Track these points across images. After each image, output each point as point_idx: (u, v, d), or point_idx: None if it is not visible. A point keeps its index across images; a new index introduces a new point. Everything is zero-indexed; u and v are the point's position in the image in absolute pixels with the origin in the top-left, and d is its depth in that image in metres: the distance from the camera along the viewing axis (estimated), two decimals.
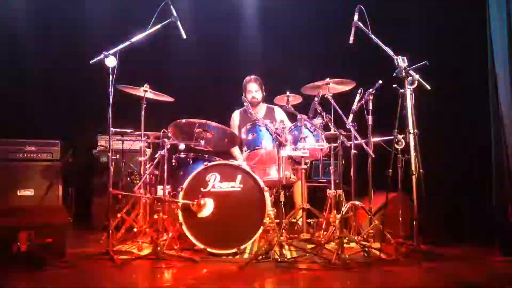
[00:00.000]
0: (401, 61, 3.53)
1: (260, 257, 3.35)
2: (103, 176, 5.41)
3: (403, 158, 3.74)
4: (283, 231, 3.40)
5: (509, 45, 3.61)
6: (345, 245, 3.39)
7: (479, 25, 4.03)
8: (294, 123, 4.23)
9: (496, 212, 3.80)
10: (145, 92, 4.25)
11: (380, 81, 3.86)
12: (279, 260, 3.30)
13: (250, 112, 4.08)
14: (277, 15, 6.49)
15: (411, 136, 3.47)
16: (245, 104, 4.08)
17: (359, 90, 4.03)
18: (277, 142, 3.68)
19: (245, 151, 4.18)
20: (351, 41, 3.86)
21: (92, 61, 3.49)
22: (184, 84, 6.22)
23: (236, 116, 5.07)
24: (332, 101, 4.00)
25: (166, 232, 3.90)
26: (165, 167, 4.02)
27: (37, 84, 5.81)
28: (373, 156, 3.81)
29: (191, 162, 4.20)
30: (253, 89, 4.92)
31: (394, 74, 3.56)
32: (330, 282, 2.86)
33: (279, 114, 4.99)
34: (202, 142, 4.10)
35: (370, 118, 4.00)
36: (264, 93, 4.96)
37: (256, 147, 4.11)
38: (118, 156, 4.91)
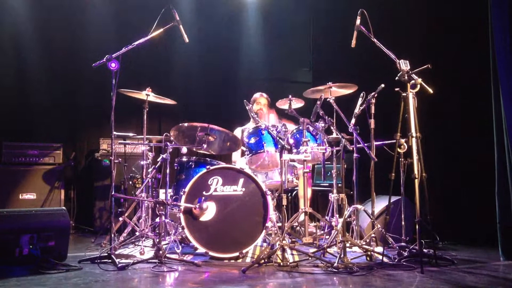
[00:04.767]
0: (404, 65, 3.53)
1: (263, 261, 3.34)
2: (105, 179, 5.43)
3: (406, 161, 3.73)
4: (285, 234, 3.40)
5: (510, 44, 3.58)
6: (347, 249, 3.38)
7: (481, 25, 4.02)
8: (297, 126, 4.23)
9: (499, 215, 3.78)
10: (147, 96, 4.26)
11: (382, 85, 3.86)
12: (281, 264, 3.29)
13: (252, 115, 4.09)
14: (279, 18, 6.51)
15: (414, 140, 3.46)
16: (247, 107, 4.09)
17: (362, 94, 4.02)
18: (279, 146, 3.68)
19: (247, 154, 4.18)
20: (353, 45, 3.86)
21: (95, 64, 3.50)
22: (186, 88, 6.24)
23: (238, 133, 4.87)
24: (334, 105, 4.00)
25: (168, 236, 3.90)
26: (167, 170, 4.02)
27: (39, 88, 5.82)
28: (376, 159, 3.81)
29: (193, 165, 4.20)
30: (262, 102, 5.05)
31: (397, 78, 3.55)
32: (332, 286, 2.85)
33: (272, 119, 4.95)
34: (205, 145, 4.10)
35: (372, 122, 3.99)
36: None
37: (259, 151, 4.10)
38: (120, 159, 4.93)
